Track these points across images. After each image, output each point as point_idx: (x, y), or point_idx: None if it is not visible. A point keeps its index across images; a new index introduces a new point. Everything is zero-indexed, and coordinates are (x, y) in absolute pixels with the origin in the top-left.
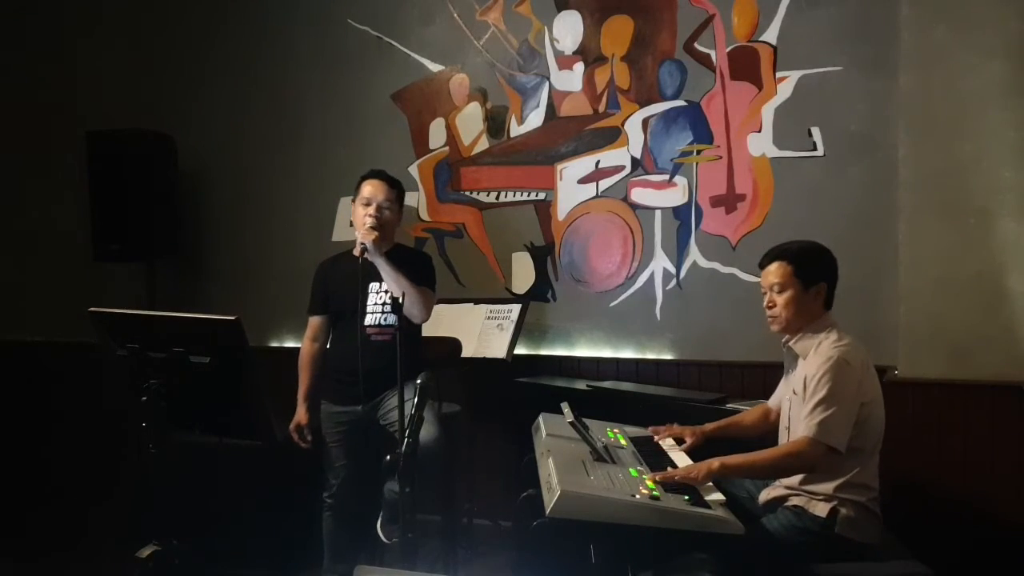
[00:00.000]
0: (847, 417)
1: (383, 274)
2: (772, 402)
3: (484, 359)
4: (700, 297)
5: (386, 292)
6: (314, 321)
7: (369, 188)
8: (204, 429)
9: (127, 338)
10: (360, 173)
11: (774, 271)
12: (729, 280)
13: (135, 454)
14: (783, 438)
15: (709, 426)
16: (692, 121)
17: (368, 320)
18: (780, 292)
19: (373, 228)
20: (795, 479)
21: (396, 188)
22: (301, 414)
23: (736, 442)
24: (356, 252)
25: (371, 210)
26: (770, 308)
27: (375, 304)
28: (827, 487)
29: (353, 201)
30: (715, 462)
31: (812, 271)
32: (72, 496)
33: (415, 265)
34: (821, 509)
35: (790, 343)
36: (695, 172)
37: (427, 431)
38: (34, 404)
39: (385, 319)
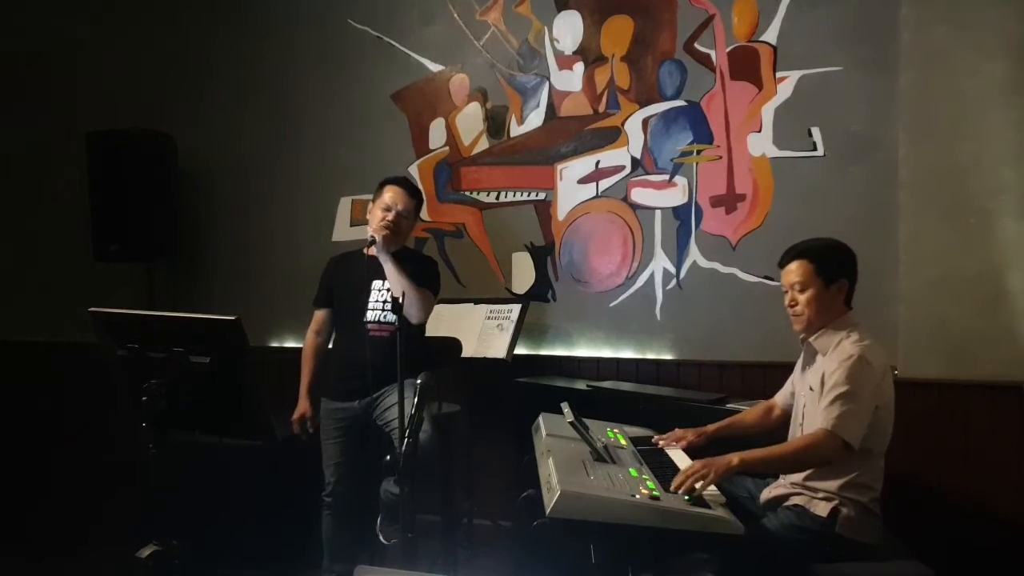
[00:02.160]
0: (864, 415)
1: (387, 271)
2: (778, 399)
3: (484, 359)
4: (700, 297)
5: (388, 290)
6: (319, 314)
7: (391, 194)
8: (204, 429)
9: (127, 338)
10: (360, 173)
11: (795, 269)
12: (729, 280)
13: (135, 454)
14: (795, 434)
15: (711, 427)
16: (692, 121)
17: (368, 316)
18: (802, 291)
19: (387, 228)
20: (799, 475)
21: (416, 199)
22: (304, 405)
23: (739, 441)
24: (366, 249)
25: (390, 216)
26: (792, 307)
27: (376, 301)
28: (830, 485)
29: (372, 202)
30: (734, 458)
31: (833, 268)
32: (72, 496)
33: (419, 268)
34: (822, 508)
35: (810, 339)
36: (695, 172)
37: (421, 430)
38: (34, 404)
39: (384, 316)
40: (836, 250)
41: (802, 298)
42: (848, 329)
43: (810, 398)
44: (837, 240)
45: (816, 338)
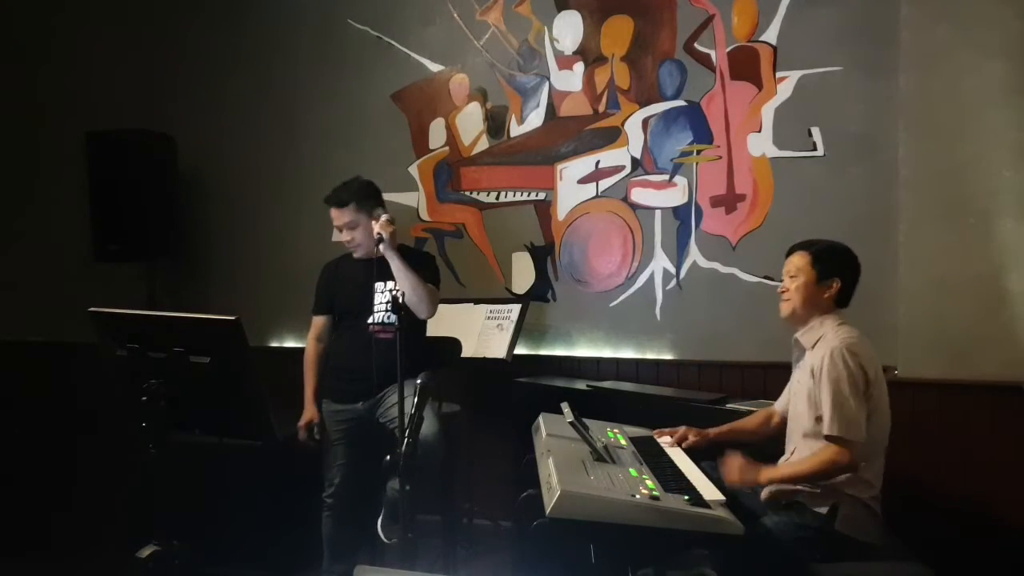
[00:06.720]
0: (861, 408)
1: (394, 268)
2: (778, 406)
3: (484, 359)
4: (700, 297)
5: (391, 291)
6: (318, 321)
7: (331, 214)
8: (204, 429)
9: (127, 338)
10: (360, 173)
11: (795, 260)
12: (729, 280)
13: (135, 454)
14: (791, 428)
15: (713, 431)
16: (692, 121)
17: (375, 319)
18: (795, 278)
19: (389, 223)
20: None
21: (350, 203)
22: (312, 412)
23: (739, 446)
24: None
25: (345, 237)
26: (783, 292)
27: (380, 303)
28: (831, 481)
29: None
30: (762, 477)
31: (829, 265)
32: (72, 496)
33: (419, 264)
34: (822, 506)
35: (797, 335)
36: (695, 172)
37: (427, 427)
38: (34, 404)
39: (389, 317)
40: (836, 250)
41: (793, 285)
42: (835, 324)
43: (800, 393)
44: (843, 244)
45: (802, 334)
